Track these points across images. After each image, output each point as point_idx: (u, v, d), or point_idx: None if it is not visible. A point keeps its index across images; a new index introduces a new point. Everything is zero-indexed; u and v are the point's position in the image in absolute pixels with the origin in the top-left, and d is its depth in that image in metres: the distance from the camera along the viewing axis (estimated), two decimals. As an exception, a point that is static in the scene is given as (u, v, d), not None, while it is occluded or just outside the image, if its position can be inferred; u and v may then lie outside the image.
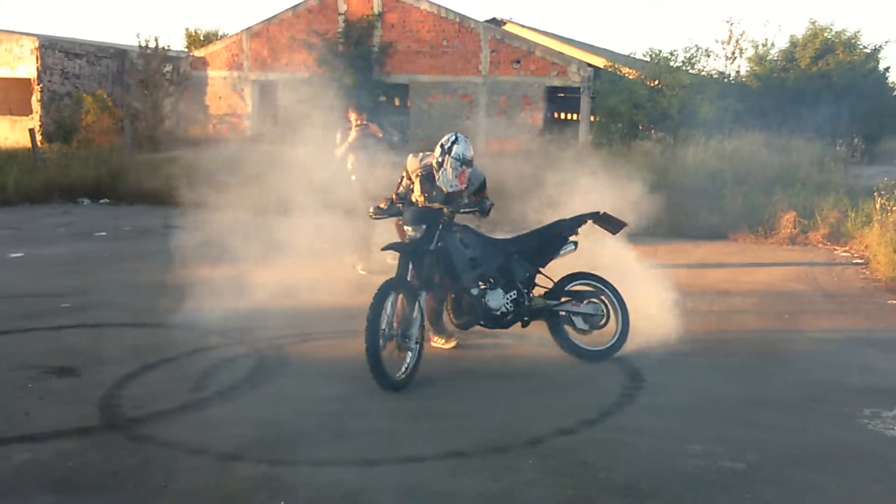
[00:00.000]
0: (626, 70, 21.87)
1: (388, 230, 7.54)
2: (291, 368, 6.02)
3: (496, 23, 27.44)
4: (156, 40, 23.96)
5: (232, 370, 5.89)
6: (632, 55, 23.22)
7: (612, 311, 6.26)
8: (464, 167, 5.98)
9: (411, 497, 3.99)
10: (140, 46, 24.02)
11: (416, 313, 5.64)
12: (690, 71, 21.92)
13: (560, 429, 4.83)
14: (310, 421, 4.94)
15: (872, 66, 28.71)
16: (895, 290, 8.89)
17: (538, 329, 6.35)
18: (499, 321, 6.14)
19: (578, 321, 6.21)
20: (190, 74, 26.32)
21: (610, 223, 6.48)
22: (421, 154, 6.36)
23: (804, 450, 4.62)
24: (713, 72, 25.27)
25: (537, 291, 6.34)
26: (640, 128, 21.18)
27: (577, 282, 6.36)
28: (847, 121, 21.88)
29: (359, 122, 9.21)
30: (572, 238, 6.38)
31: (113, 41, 31.06)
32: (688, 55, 21.98)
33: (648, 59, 22.12)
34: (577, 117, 24.08)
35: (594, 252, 6.77)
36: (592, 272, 6.40)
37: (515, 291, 6.15)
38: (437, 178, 6.06)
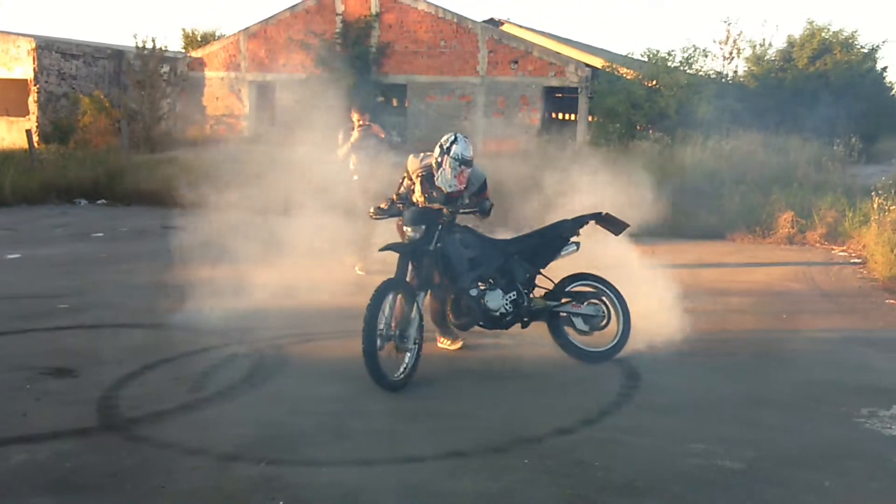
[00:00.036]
0: (623, 70, 21.89)
1: (388, 230, 7.53)
2: (290, 368, 6.02)
3: (494, 23, 27.44)
4: (153, 41, 23.95)
5: (230, 370, 5.88)
6: (629, 55, 23.24)
7: (613, 313, 6.24)
8: (463, 167, 5.97)
9: (410, 497, 3.99)
10: (137, 47, 23.99)
11: (414, 314, 5.64)
12: (688, 71, 21.94)
13: (559, 428, 4.83)
14: (309, 421, 4.94)
15: (870, 65, 28.75)
16: (892, 290, 8.90)
17: (538, 329, 6.35)
18: (498, 322, 6.13)
19: (579, 322, 6.19)
20: (187, 75, 26.31)
21: (612, 224, 6.46)
22: (422, 154, 6.35)
23: (802, 449, 4.62)
24: (711, 72, 25.31)
25: (538, 292, 6.32)
26: (638, 128, 21.19)
27: (578, 283, 6.33)
28: (844, 120, 21.89)
29: (361, 122, 9.20)
30: (574, 239, 6.35)
31: (110, 42, 31.07)
32: (685, 55, 22.00)
33: (646, 60, 22.13)
34: (575, 117, 24.08)
35: (595, 252, 6.76)
36: (594, 273, 6.38)
37: (515, 292, 6.13)
38: (436, 178, 6.06)
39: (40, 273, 9.38)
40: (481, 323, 6.11)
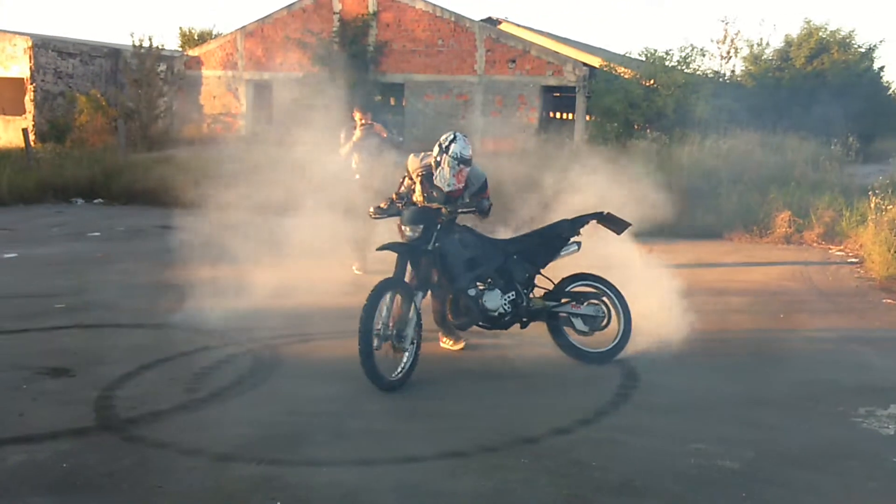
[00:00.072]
0: (621, 69, 21.90)
1: (388, 230, 7.51)
2: (288, 368, 6.01)
3: (491, 22, 27.44)
4: (150, 39, 23.90)
5: (228, 370, 5.87)
6: (627, 55, 23.27)
7: (613, 313, 6.21)
8: (461, 166, 5.96)
9: (409, 497, 3.99)
10: (134, 46, 23.95)
11: (411, 314, 5.64)
12: (686, 70, 21.95)
13: (557, 428, 4.83)
14: (307, 421, 4.94)
15: (867, 65, 28.82)
16: (889, 289, 8.92)
17: (537, 329, 6.34)
18: (497, 322, 6.11)
19: (578, 323, 6.16)
20: (184, 74, 26.27)
21: (614, 223, 6.42)
22: (422, 154, 6.33)
23: (800, 448, 4.63)
24: (708, 71, 25.32)
25: (538, 292, 6.30)
26: (636, 127, 21.20)
27: (579, 283, 6.30)
28: (842, 120, 21.93)
29: (363, 121, 9.19)
30: (575, 238, 6.33)
31: (106, 40, 30.99)
32: (683, 54, 22.02)
33: (644, 59, 22.14)
34: (573, 117, 24.08)
35: (596, 251, 6.74)
36: (594, 273, 6.36)
37: (514, 292, 6.11)
38: (435, 177, 6.06)
39: (37, 272, 9.36)
40: (480, 323, 6.10)
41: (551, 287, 6.32)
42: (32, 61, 25.65)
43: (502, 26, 27.24)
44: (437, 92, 24.14)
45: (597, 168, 8.43)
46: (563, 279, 6.31)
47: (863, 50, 28.63)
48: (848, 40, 28.23)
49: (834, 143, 18.67)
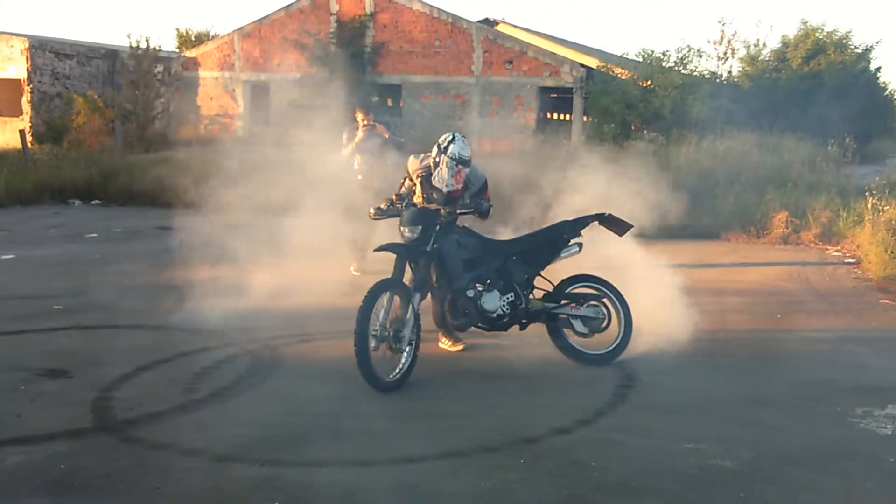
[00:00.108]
0: (618, 70, 21.93)
1: (389, 231, 7.50)
2: (288, 369, 6.00)
3: (489, 23, 27.46)
4: (147, 41, 23.93)
5: (227, 371, 5.87)
6: (624, 56, 23.28)
7: (614, 315, 6.18)
8: (460, 167, 5.96)
9: (408, 497, 3.99)
10: (131, 47, 23.95)
11: (409, 314, 5.63)
12: (682, 71, 21.99)
13: (556, 428, 4.83)
14: (306, 421, 4.93)
15: (864, 66, 28.88)
16: (886, 290, 8.93)
17: (537, 330, 6.33)
18: (495, 323, 6.10)
19: (578, 324, 6.13)
20: (181, 75, 26.27)
21: (616, 224, 6.39)
22: (422, 155, 6.33)
23: (798, 448, 4.63)
24: (705, 72, 25.37)
25: (538, 293, 6.27)
26: (633, 128, 21.23)
27: (579, 284, 6.27)
28: (838, 121, 21.98)
29: (366, 122, 9.18)
30: (576, 240, 6.30)
31: (104, 42, 30.99)
32: (680, 55, 22.06)
33: (641, 60, 22.18)
34: (570, 118, 24.10)
35: (596, 251, 6.73)
36: (595, 274, 6.34)
37: (513, 294, 6.09)
38: (433, 177, 6.06)
39: (34, 274, 9.35)
40: (479, 324, 6.09)
41: (551, 288, 6.30)
42: (29, 62, 25.63)
43: (499, 27, 27.27)
44: (435, 93, 24.15)
45: (594, 169, 8.44)
46: (563, 280, 6.29)
47: (859, 51, 28.70)
48: (845, 41, 28.29)
49: (831, 144, 18.72)
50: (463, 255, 5.95)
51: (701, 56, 23.45)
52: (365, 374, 5.36)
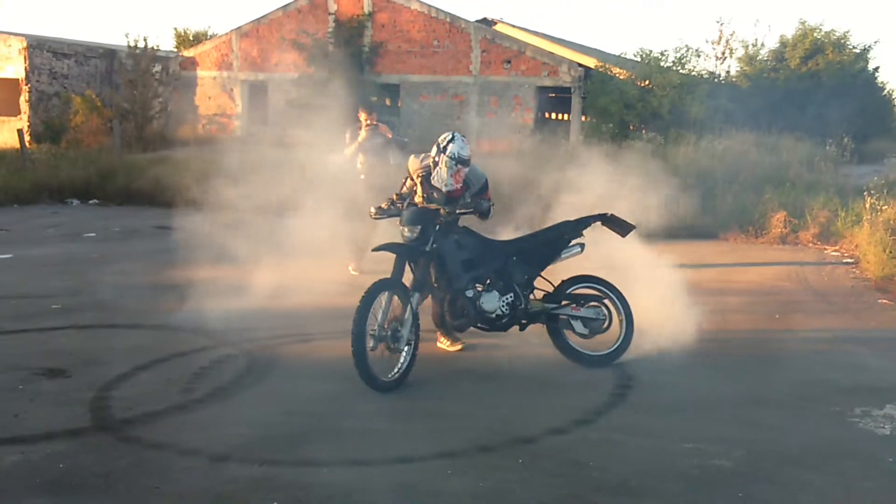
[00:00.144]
0: (616, 70, 21.94)
1: (389, 231, 7.50)
2: (285, 369, 6.00)
3: (487, 23, 27.46)
4: (145, 40, 23.88)
5: (225, 371, 5.86)
6: (622, 55, 23.31)
7: (615, 316, 6.16)
8: (459, 166, 5.95)
9: (406, 497, 3.99)
10: (129, 46, 23.91)
11: (407, 314, 5.63)
12: (681, 71, 22.01)
13: (555, 428, 4.83)
14: (305, 421, 4.93)
15: (862, 66, 28.92)
16: (885, 289, 8.94)
17: (536, 330, 6.32)
18: (494, 324, 6.08)
19: (578, 325, 6.10)
20: (179, 74, 26.24)
21: (619, 225, 6.35)
22: (423, 155, 6.32)
23: (796, 448, 4.64)
24: (703, 72, 25.39)
25: (538, 294, 6.25)
26: (631, 128, 21.25)
27: (580, 285, 6.24)
28: (837, 120, 22.02)
29: (369, 121, 9.18)
30: (578, 240, 6.28)
31: (102, 41, 30.96)
32: (678, 55, 22.09)
33: (639, 60, 22.20)
34: (568, 117, 24.11)
35: (598, 251, 6.71)
36: (596, 275, 6.32)
37: (512, 294, 6.07)
38: (432, 177, 6.05)
39: (32, 273, 9.34)
40: (479, 325, 6.08)
41: (552, 289, 6.27)
42: (27, 62, 25.59)
43: (498, 27, 27.27)
44: (433, 93, 24.14)
45: (592, 168, 8.44)
46: (564, 281, 6.26)
47: (858, 51, 28.74)
48: (843, 41, 28.33)
49: (829, 144, 18.74)
50: (462, 255, 5.94)
51: (699, 56, 23.55)
52: (362, 373, 5.36)
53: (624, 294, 6.23)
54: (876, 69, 30.61)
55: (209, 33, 34.07)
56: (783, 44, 28.74)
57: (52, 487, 4.03)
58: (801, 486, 4.15)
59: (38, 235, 12.16)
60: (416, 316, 5.68)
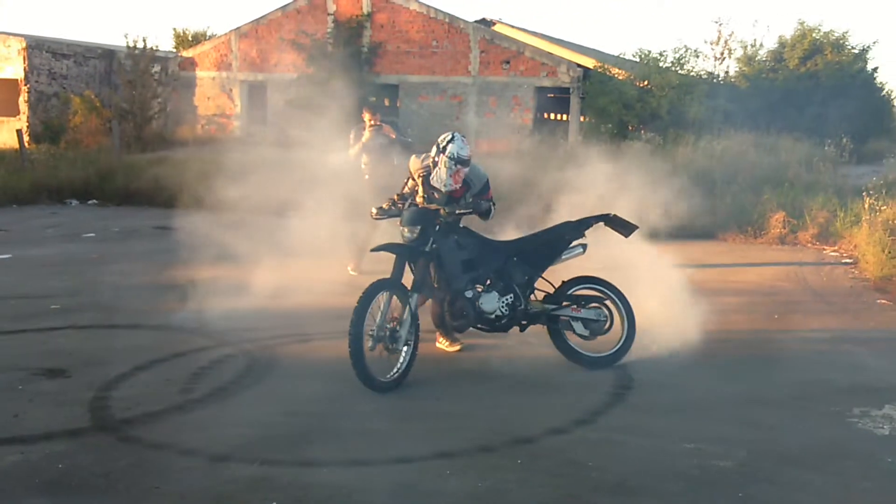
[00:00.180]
0: (615, 70, 21.94)
1: (389, 231, 7.49)
2: (285, 369, 6.00)
3: (486, 23, 27.46)
4: (144, 41, 23.87)
5: (224, 371, 5.86)
6: (621, 56, 23.31)
7: (616, 317, 6.13)
8: (458, 166, 5.94)
9: (405, 497, 3.99)
10: (128, 47, 23.90)
11: (406, 315, 5.63)
12: (680, 71, 22.02)
13: (554, 428, 4.83)
14: (304, 421, 4.93)
15: (860, 66, 28.94)
16: (883, 290, 8.94)
17: (536, 330, 6.31)
18: (494, 324, 6.06)
19: (578, 326, 6.07)
20: (178, 75, 26.24)
21: (621, 225, 6.33)
22: (424, 154, 6.31)
23: (795, 448, 4.64)
24: (702, 72, 25.43)
25: (539, 295, 6.22)
26: (630, 128, 21.26)
27: (581, 286, 6.21)
28: (835, 121, 22.04)
29: (373, 122, 9.18)
30: (580, 241, 6.25)
31: (101, 41, 30.94)
32: (677, 56, 22.09)
33: (638, 60, 22.20)
34: (567, 118, 24.12)
35: (598, 251, 6.70)
36: (597, 276, 6.30)
37: (512, 295, 6.05)
38: (432, 177, 6.05)
39: (32, 274, 9.33)
40: (479, 325, 6.07)
41: (552, 290, 6.25)
42: (26, 62, 25.59)
43: (496, 27, 27.27)
44: (432, 93, 24.14)
45: (591, 169, 8.44)
46: (565, 282, 6.23)
47: (856, 51, 28.75)
48: (841, 41, 28.35)
49: (828, 144, 18.75)
50: (462, 255, 5.93)
51: (698, 56, 23.62)
52: (360, 374, 5.36)
53: (626, 295, 6.21)
54: (875, 70, 30.65)
55: (208, 34, 34.08)
56: (782, 44, 28.76)
57: (51, 487, 4.03)
58: (801, 486, 4.15)
59: (37, 236, 12.15)
60: (415, 316, 5.68)
